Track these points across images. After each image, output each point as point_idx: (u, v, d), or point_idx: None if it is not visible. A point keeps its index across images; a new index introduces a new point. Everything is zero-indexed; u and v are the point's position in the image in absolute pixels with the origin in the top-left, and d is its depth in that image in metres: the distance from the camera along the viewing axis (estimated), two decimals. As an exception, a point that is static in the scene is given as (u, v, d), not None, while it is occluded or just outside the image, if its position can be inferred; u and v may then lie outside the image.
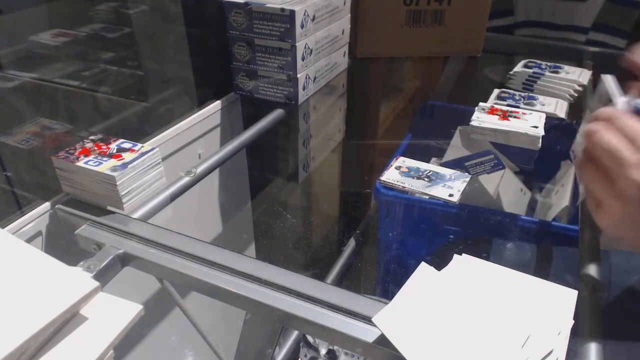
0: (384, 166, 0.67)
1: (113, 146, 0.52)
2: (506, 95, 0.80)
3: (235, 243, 0.97)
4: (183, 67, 0.79)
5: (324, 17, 0.78)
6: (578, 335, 0.39)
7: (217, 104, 0.79)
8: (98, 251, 0.47)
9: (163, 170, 0.54)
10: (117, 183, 0.48)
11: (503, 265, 0.41)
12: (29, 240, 0.53)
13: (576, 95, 0.82)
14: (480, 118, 0.70)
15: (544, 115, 0.70)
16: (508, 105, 0.77)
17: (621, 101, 0.44)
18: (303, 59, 0.75)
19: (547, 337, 0.34)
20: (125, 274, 0.47)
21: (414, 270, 0.40)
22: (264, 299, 0.41)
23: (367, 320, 0.38)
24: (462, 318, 0.36)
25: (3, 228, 0.49)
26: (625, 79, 1.05)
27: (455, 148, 0.75)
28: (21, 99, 0.60)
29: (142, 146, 0.52)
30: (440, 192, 0.62)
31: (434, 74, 1.11)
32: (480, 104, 0.74)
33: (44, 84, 0.63)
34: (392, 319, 0.36)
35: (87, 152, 0.51)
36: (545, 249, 0.69)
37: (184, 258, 0.46)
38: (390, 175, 0.65)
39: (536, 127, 0.67)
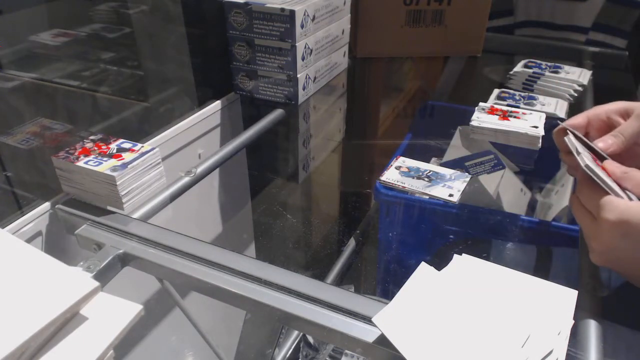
0: (384, 166, 0.67)
1: (113, 146, 0.52)
2: (506, 95, 0.80)
3: (235, 243, 0.96)
4: (183, 67, 0.79)
5: (324, 17, 0.78)
6: (578, 335, 0.39)
7: (217, 104, 0.79)
8: (98, 251, 0.47)
9: (163, 170, 0.54)
10: (117, 183, 0.48)
11: (503, 265, 0.41)
12: (29, 240, 0.53)
13: (576, 95, 0.82)
14: (480, 118, 0.70)
15: (544, 115, 0.70)
16: (508, 105, 0.77)
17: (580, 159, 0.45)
18: (303, 59, 0.75)
19: (547, 337, 0.34)
20: (125, 274, 0.47)
21: (414, 270, 0.40)
22: (264, 299, 0.41)
23: (367, 320, 0.38)
24: (462, 318, 0.36)
25: (3, 228, 0.49)
26: (624, 79, 1.05)
27: (455, 148, 0.75)
28: (21, 99, 0.60)
29: (142, 146, 0.52)
30: (440, 192, 0.62)
31: (434, 74, 1.11)
32: (480, 104, 0.74)
33: (44, 84, 0.63)
34: (392, 319, 0.36)
35: (87, 152, 0.51)
36: (545, 249, 0.69)
37: (184, 258, 0.46)
38: (390, 175, 0.65)
39: (536, 127, 0.67)
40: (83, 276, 0.37)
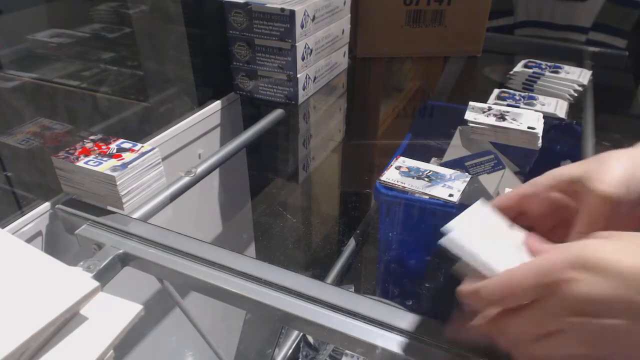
0: (384, 166, 0.67)
1: (113, 146, 0.52)
2: (506, 95, 0.80)
3: (235, 243, 0.97)
4: (183, 67, 0.79)
5: (324, 17, 0.78)
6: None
7: (217, 104, 0.79)
8: (98, 251, 0.47)
9: (163, 170, 0.54)
10: (117, 183, 0.48)
11: None
12: (29, 240, 0.53)
13: (576, 95, 0.82)
14: (478, 119, 0.70)
15: (541, 115, 0.71)
16: (508, 105, 0.77)
17: None
18: (303, 59, 0.75)
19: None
20: (125, 274, 0.47)
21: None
22: (264, 299, 0.41)
23: (367, 320, 0.38)
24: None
25: (3, 228, 0.49)
26: (624, 79, 1.05)
27: (455, 148, 0.75)
28: (21, 99, 0.60)
29: (142, 146, 0.52)
30: (440, 192, 0.62)
31: (434, 74, 1.11)
32: (470, 103, 0.74)
33: (44, 84, 0.63)
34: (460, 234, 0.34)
35: (87, 152, 0.51)
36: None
37: (184, 258, 0.46)
38: (390, 175, 0.65)
39: (533, 128, 0.67)
40: (83, 276, 0.37)
